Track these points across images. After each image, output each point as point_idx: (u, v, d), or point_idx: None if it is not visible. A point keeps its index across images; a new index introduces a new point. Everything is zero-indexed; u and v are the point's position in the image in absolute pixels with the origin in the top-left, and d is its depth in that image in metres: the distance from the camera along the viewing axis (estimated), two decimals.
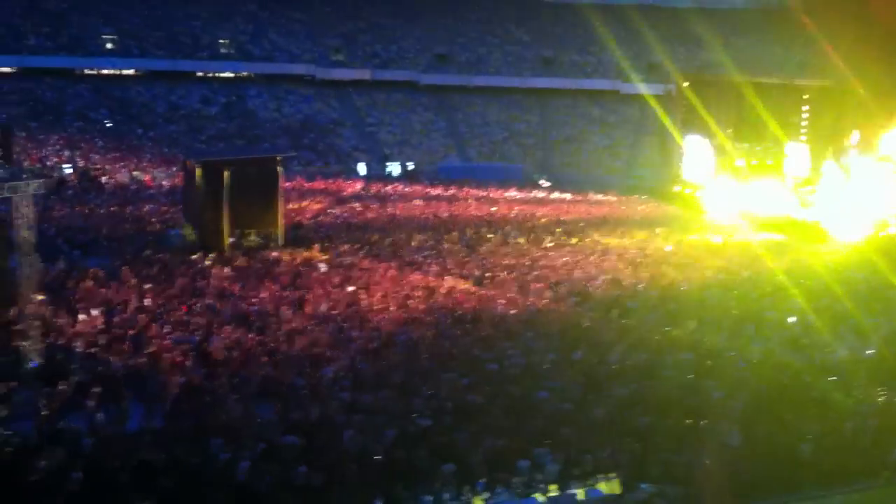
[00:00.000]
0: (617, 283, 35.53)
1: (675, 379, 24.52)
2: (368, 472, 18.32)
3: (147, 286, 31.62)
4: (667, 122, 63.12)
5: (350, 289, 32.75)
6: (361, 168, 68.95)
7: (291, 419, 21.17)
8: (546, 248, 41.60)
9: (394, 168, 70.73)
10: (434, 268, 36.89)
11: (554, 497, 17.53)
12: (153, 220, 44.73)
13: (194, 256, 36.33)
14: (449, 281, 34.90)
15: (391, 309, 30.35)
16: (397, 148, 75.00)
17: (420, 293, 32.62)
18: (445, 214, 50.85)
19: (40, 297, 26.58)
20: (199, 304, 29.85)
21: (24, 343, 24.22)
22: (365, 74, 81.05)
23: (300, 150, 68.08)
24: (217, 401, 22.06)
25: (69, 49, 72.27)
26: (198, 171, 38.26)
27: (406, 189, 60.26)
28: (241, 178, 38.22)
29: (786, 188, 54.01)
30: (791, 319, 30.87)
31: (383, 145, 75.02)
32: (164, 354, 24.74)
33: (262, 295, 31.41)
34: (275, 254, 38.05)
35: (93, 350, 25.11)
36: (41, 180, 26.15)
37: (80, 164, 59.38)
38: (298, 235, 42.05)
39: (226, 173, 37.78)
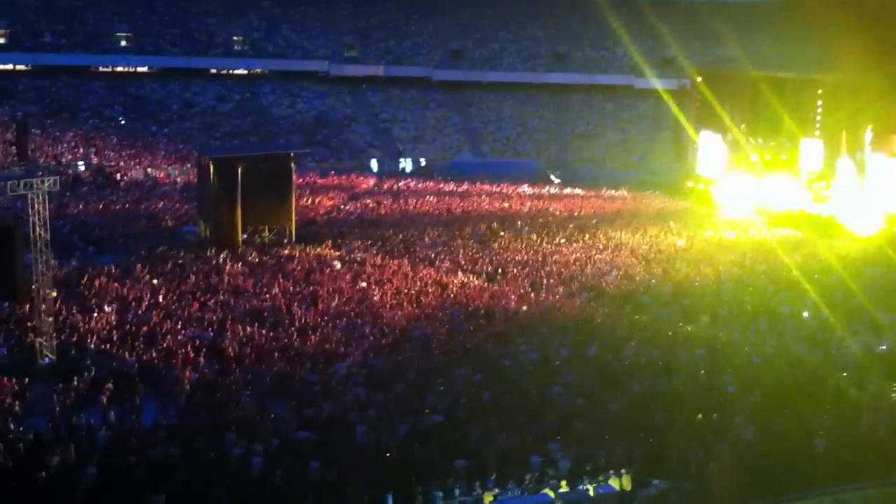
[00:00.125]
0: (630, 278, 35.47)
1: (689, 374, 24.50)
2: (381, 468, 18.36)
3: (161, 282, 31.77)
4: (681, 117, 62.92)
5: (363, 285, 32.80)
6: (374, 164, 68.96)
7: (305, 415, 21.25)
8: (559, 244, 41.52)
9: (407, 164, 70.74)
10: (446, 264, 36.90)
11: (565, 493, 17.51)
12: (167, 216, 44.88)
13: (208, 253, 36.44)
14: (461, 277, 34.91)
15: (404, 305, 30.38)
16: (410, 144, 74.98)
17: (432, 289, 32.64)
18: (458, 210, 50.85)
19: (54, 294, 26.70)
20: (212, 301, 29.95)
21: (38, 339, 24.35)
22: (378, 70, 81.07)
23: (314, 146, 68.17)
24: (230, 397, 22.15)
25: (84, 47, 72.55)
26: (211, 168, 38.35)
27: (419, 185, 60.25)
28: (254, 175, 38.29)
29: (800, 183, 53.78)
30: (805, 314, 30.76)
31: (396, 141, 75.00)
32: (178, 350, 24.85)
33: (275, 291, 31.49)
34: (288, 250, 38.13)
35: (106, 346, 25.24)
36: (56, 177, 26.25)
37: (95, 161, 59.63)
38: (311, 231, 42.15)
39: (239, 170, 37.85)
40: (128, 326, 26.74)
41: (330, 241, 39.83)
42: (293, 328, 27.34)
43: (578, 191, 60.39)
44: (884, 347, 27.92)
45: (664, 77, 77.38)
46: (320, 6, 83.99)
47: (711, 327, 29.48)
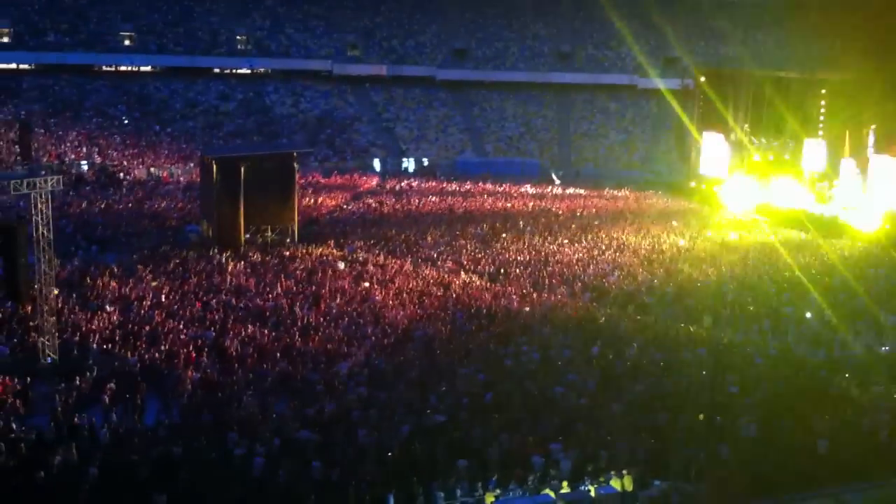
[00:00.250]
0: (633, 278, 35.44)
1: (692, 375, 24.50)
2: (383, 467, 18.38)
3: (163, 282, 31.79)
4: (684, 117, 62.75)
5: (365, 284, 32.81)
6: (377, 164, 68.86)
7: (307, 415, 21.28)
8: (561, 244, 41.49)
9: (410, 164, 70.64)
10: (449, 264, 36.90)
11: (566, 493, 17.51)
12: (170, 216, 44.91)
13: (211, 252, 36.46)
14: (464, 277, 34.91)
15: (406, 305, 30.39)
16: (413, 143, 74.87)
17: (435, 289, 32.64)
18: (461, 210, 50.82)
19: (57, 293, 26.74)
20: (215, 300, 29.97)
21: (40, 339, 24.38)
22: (382, 70, 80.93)
23: (317, 145, 68.12)
24: (233, 396, 22.18)
25: (88, 46, 72.51)
26: (214, 167, 38.36)
27: (422, 184, 60.17)
28: (257, 174, 38.30)
29: (803, 183, 53.68)
30: (808, 315, 30.74)
31: (399, 141, 74.90)
32: (180, 350, 24.88)
33: (278, 291, 31.50)
34: (290, 250, 38.13)
35: (109, 346, 25.27)
36: (59, 177, 26.29)
37: (99, 160, 59.62)
38: (314, 231, 42.15)
39: (242, 169, 37.87)
40: (130, 326, 26.78)
41: (332, 241, 39.83)
42: (295, 328, 27.36)
43: (581, 191, 60.32)
44: (886, 348, 27.92)
45: (667, 77, 77.17)
46: (324, 5, 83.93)
47: (714, 328, 29.48)
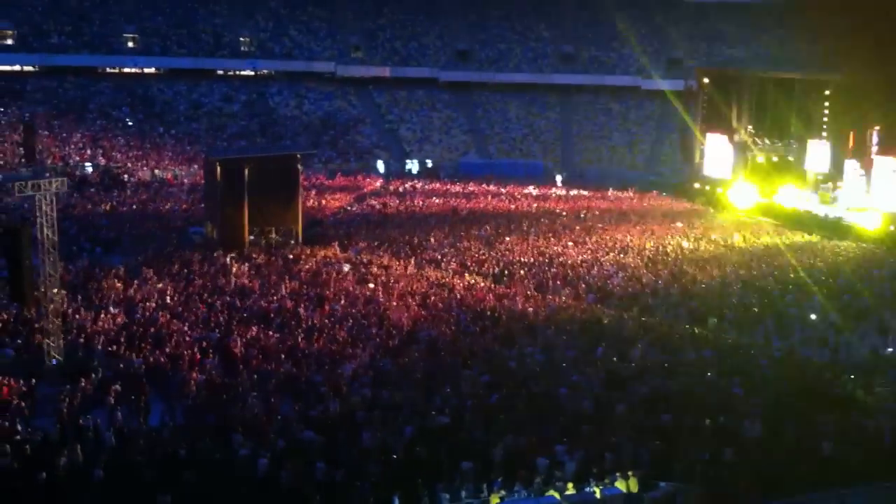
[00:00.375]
0: (637, 280, 35.42)
1: (696, 376, 24.49)
2: (387, 469, 18.37)
3: (168, 283, 31.81)
4: (687, 118, 62.80)
5: (369, 286, 32.82)
6: (381, 165, 68.94)
7: (311, 416, 21.28)
8: (565, 245, 41.49)
9: (413, 165, 70.70)
10: (453, 265, 36.90)
11: (571, 495, 17.48)
12: (174, 217, 44.97)
13: (215, 254, 36.49)
14: (468, 278, 34.91)
15: (410, 306, 30.39)
16: (417, 145, 74.96)
17: (439, 290, 32.65)
18: (464, 211, 50.85)
19: (62, 295, 26.76)
20: (219, 302, 29.99)
21: (45, 340, 24.39)
22: (385, 72, 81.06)
23: (320, 147, 68.27)
24: (237, 398, 22.19)
25: (91, 48, 72.67)
26: (218, 169, 38.41)
27: (425, 186, 60.27)
28: (261, 176, 38.33)
29: (807, 185, 53.66)
30: (813, 317, 30.71)
31: (403, 142, 75.00)
32: (185, 351, 24.89)
33: (282, 292, 31.51)
34: (294, 251, 38.14)
35: (114, 347, 25.29)
36: (63, 178, 26.31)
37: (103, 161, 59.77)
38: (318, 233, 42.16)
39: (246, 171, 37.92)
40: (135, 327, 26.81)
41: (336, 243, 39.86)
42: (300, 329, 27.37)
43: (585, 192, 60.34)
44: (891, 350, 27.89)
45: (671, 78, 77.27)
46: (327, 7, 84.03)
47: (719, 329, 29.47)
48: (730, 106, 57.25)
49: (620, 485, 17.79)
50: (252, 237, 38.79)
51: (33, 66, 70.67)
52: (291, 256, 37.13)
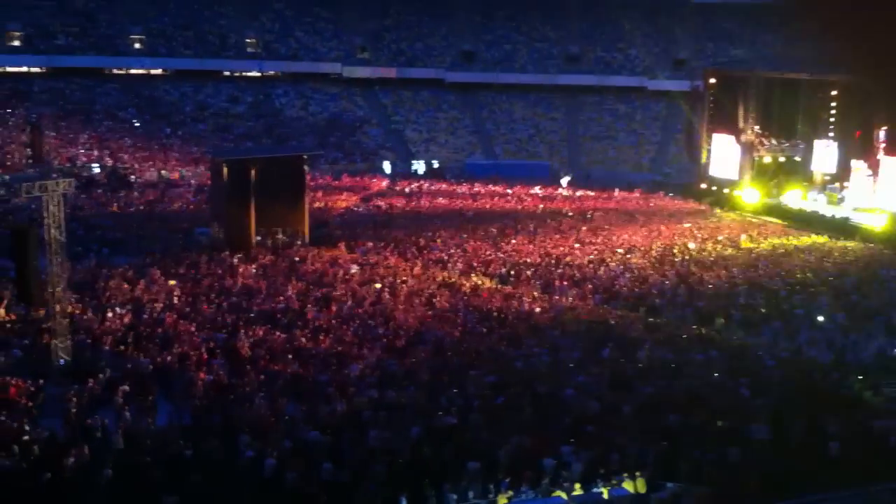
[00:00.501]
0: (643, 280, 35.39)
1: (703, 377, 24.46)
2: (394, 469, 18.38)
3: (175, 284, 31.85)
4: (693, 118, 62.72)
5: (376, 286, 32.82)
6: (387, 166, 68.93)
7: (318, 416, 21.29)
8: (572, 246, 41.47)
9: (419, 166, 70.67)
10: (459, 265, 36.90)
11: (578, 496, 17.48)
12: (181, 218, 45.02)
13: (222, 254, 36.54)
14: (474, 278, 34.91)
15: (417, 306, 30.39)
16: (423, 146, 74.97)
17: (445, 290, 32.65)
18: (470, 212, 50.84)
19: (69, 295, 26.81)
20: (226, 302, 30.03)
21: (53, 340, 24.45)
22: (391, 72, 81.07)
23: (326, 148, 68.29)
24: (244, 398, 22.21)
25: (98, 49, 72.76)
26: (225, 170, 38.46)
27: (431, 187, 60.26)
28: (267, 177, 38.37)
29: (814, 185, 53.58)
30: (820, 317, 30.63)
31: (409, 143, 74.99)
32: (192, 352, 24.93)
33: (289, 293, 31.54)
34: (301, 251, 38.18)
35: (121, 347, 25.33)
36: (70, 179, 26.35)
37: (109, 162, 59.88)
38: (325, 233, 42.18)
39: (252, 172, 37.97)
40: (142, 328, 26.85)
41: (343, 243, 39.88)
42: (306, 330, 27.38)
43: (591, 192, 60.28)
44: None
45: (677, 79, 77.22)
46: (332, 8, 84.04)
47: (725, 330, 29.42)
48: (736, 106, 57.14)
49: (628, 485, 17.80)
50: (259, 238, 38.82)
51: (40, 68, 70.78)
52: (298, 258, 37.15)
